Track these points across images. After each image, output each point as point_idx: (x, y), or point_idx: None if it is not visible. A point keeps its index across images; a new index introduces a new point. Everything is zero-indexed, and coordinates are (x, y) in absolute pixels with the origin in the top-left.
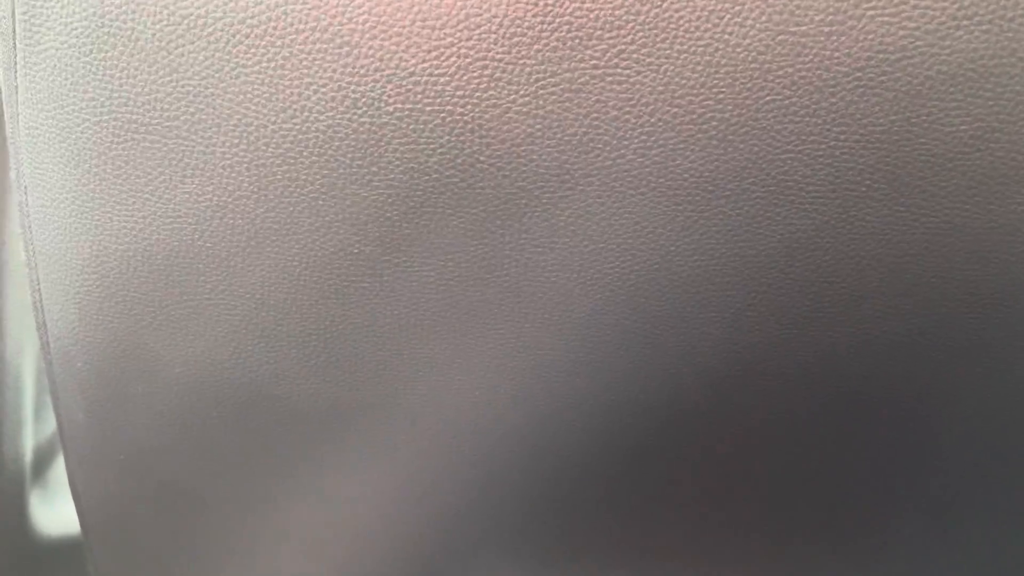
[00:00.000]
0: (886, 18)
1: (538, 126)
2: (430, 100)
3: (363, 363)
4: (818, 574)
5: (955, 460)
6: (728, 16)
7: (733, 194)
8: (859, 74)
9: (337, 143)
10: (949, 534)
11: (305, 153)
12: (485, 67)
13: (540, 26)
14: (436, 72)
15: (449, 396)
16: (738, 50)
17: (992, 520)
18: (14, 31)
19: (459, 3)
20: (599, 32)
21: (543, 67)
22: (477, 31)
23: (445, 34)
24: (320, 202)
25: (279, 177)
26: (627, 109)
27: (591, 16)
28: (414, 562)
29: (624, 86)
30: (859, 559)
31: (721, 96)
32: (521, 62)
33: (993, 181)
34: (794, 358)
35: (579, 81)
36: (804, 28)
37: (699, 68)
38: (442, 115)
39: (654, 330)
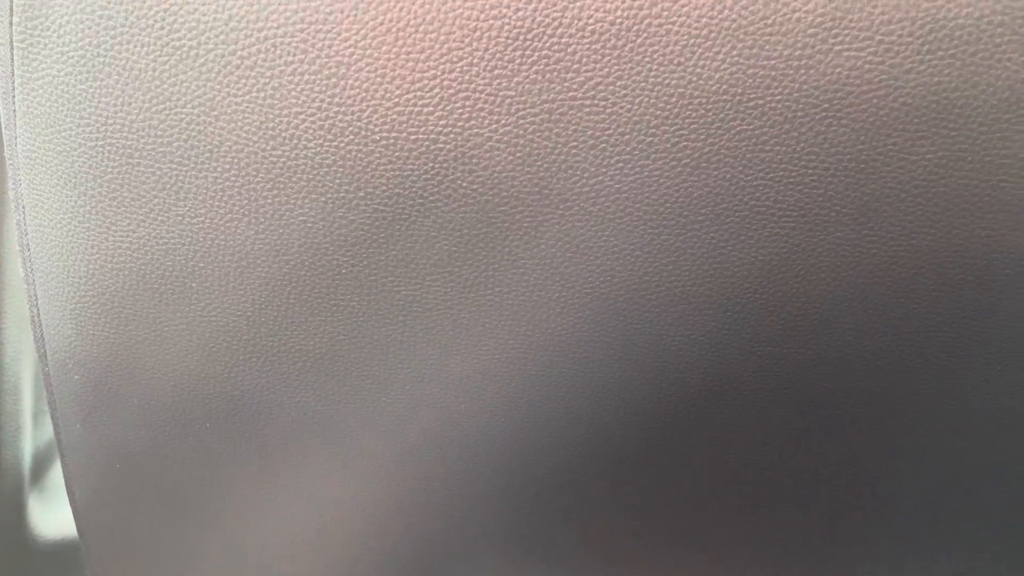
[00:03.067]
0: (852, 52)
1: (519, 154)
2: (415, 129)
3: (350, 377)
4: None
5: (927, 468)
6: (700, 51)
7: (707, 219)
8: (826, 106)
9: (326, 169)
10: (929, 540)
11: (294, 179)
12: (467, 98)
13: (520, 59)
14: (421, 103)
15: (434, 408)
16: (710, 83)
17: (970, 526)
18: (12, 59)
19: (442, 38)
20: (576, 66)
21: (523, 99)
22: (460, 64)
23: (429, 67)
24: (309, 225)
25: (269, 201)
26: (604, 138)
27: (568, 51)
28: (403, 565)
29: (601, 116)
30: (846, 565)
31: (694, 126)
32: (502, 94)
33: (956, 208)
34: (769, 375)
35: (558, 112)
36: (773, 62)
37: (672, 100)
38: (427, 143)
39: (633, 348)
